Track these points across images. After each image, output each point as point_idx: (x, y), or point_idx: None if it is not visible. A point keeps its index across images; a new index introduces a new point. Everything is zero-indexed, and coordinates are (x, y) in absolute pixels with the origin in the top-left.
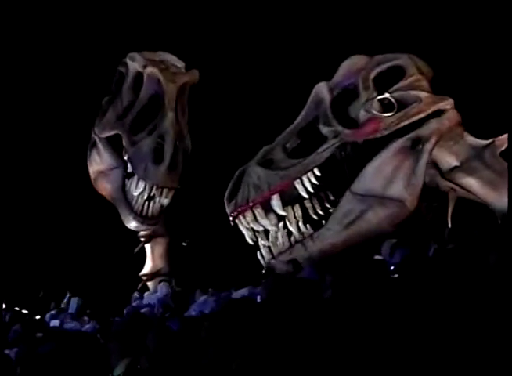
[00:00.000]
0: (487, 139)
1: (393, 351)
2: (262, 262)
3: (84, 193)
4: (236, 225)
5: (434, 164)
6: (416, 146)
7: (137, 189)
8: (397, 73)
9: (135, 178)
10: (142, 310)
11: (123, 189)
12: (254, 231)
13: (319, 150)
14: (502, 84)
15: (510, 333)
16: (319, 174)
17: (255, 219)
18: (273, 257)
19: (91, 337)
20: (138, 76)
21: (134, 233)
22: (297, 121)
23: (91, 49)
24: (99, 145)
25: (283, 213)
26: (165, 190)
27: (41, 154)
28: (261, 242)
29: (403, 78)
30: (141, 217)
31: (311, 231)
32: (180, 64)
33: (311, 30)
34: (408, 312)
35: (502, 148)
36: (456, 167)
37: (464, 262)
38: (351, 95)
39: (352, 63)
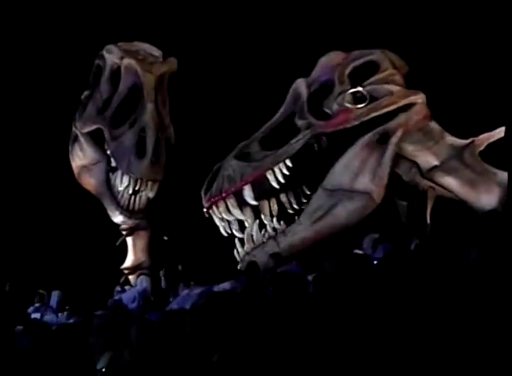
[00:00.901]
0: (462, 134)
1: (377, 343)
2: (237, 257)
3: (66, 187)
4: (210, 216)
5: (414, 163)
6: (383, 140)
7: (122, 183)
8: (372, 68)
9: (119, 172)
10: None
11: (107, 184)
12: (228, 222)
13: (292, 141)
14: (482, 81)
15: (490, 325)
16: (290, 164)
17: (227, 210)
18: (247, 253)
19: (71, 330)
20: (116, 68)
21: (115, 226)
22: (276, 116)
23: (69, 43)
24: (81, 139)
25: (254, 203)
26: (150, 183)
27: (22, 149)
28: (236, 234)
29: (377, 73)
30: (127, 211)
31: (284, 227)
32: (157, 53)
33: (290, 19)
34: (391, 306)
35: (481, 148)
36: (435, 166)
37: (445, 258)
38: (327, 89)
39: (329, 59)
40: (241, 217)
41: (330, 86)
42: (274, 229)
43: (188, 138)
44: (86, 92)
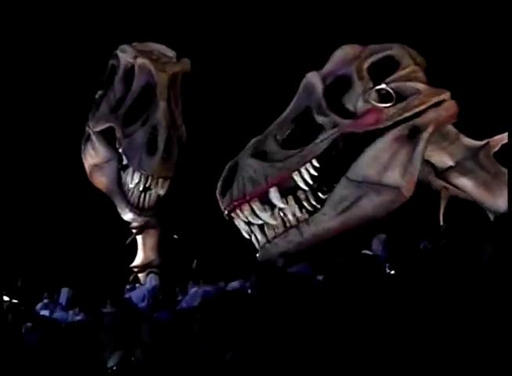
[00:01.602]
0: (473, 133)
1: (386, 345)
2: (257, 245)
3: (77, 185)
4: (231, 219)
5: (428, 162)
6: (413, 134)
7: (133, 180)
8: (391, 63)
9: (130, 170)
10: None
11: (118, 182)
12: (250, 224)
13: (317, 140)
14: (494, 82)
15: (501, 326)
16: (317, 165)
17: (253, 213)
18: (268, 241)
19: (81, 327)
20: (130, 68)
21: (126, 225)
22: (287, 111)
23: (83, 43)
24: (94, 138)
25: (282, 205)
26: (160, 180)
27: (33, 147)
28: (257, 231)
29: (398, 69)
30: (137, 209)
31: (306, 216)
32: (171, 54)
33: (299, 20)
34: (402, 308)
35: (496, 149)
36: (451, 167)
37: (457, 259)
38: (344, 84)
39: (345, 53)
40: (270, 221)
41: (347, 81)
42: (295, 217)
43: (199, 137)
44: (100, 92)
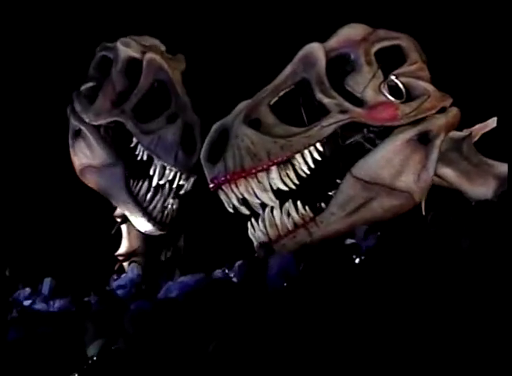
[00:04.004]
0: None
1: (361, 332)
2: (255, 241)
3: (61, 175)
4: (216, 191)
5: None
6: (423, 139)
7: (164, 177)
8: (397, 52)
9: (159, 166)
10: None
11: (129, 191)
12: (241, 201)
13: (324, 122)
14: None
15: (482, 312)
16: (321, 149)
17: (250, 190)
18: (274, 241)
19: (63, 317)
20: (130, 61)
21: (110, 213)
22: (281, 78)
23: (60, 36)
24: (89, 136)
25: (284, 187)
26: (192, 179)
27: (14, 136)
28: (260, 223)
29: (406, 62)
30: (160, 223)
31: (310, 213)
32: (163, 48)
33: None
34: (382, 294)
35: (476, 138)
36: None
37: (438, 246)
38: (348, 64)
39: (353, 32)
40: (270, 202)
41: (352, 62)
42: (300, 214)
43: None
44: (90, 84)
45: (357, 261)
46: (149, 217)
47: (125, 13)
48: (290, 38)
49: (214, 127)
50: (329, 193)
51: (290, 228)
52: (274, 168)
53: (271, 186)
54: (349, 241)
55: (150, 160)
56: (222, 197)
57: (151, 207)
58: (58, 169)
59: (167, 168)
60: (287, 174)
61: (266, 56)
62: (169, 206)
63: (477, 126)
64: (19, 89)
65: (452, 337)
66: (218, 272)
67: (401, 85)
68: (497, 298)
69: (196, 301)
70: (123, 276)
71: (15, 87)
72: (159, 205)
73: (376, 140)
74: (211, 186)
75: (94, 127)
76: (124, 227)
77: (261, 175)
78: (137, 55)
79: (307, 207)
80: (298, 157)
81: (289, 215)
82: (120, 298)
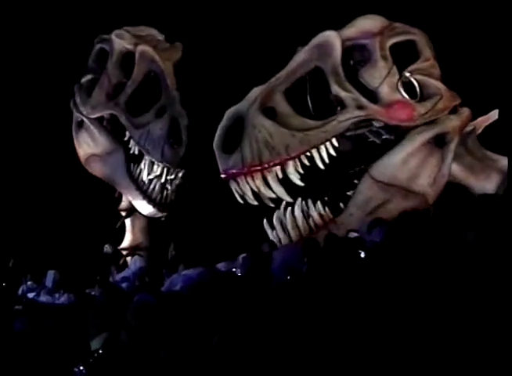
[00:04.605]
0: None
1: (365, 326)
2: (274, 239)
3: (64, 167)
4: (227, 181)
5: None
6: (439, 141)
7: (152, 173)
8: (409, 47)
9: (148, 161)
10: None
11: (130, 175)
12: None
13: (340, 117)
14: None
15: (488, 308)
16: (337, 145)
17: (266, 184)
18: (291, 240)
19: (67, 310)
20: (125, 53)
21: (114, 206)
22: (293, 65)
23: (59, 28)
24: (91, 127)
25: (300, 183)
26: (181, 172)
27: (16, 128)
28: (277, 224)
29: (420, 59)
30: (160, 205)
31: (329, 214)
32: (161, 37)
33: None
34: (386, 289)
35: (479, 131)
36: None
37: (443, 239)
38: (363, 56)
39: (371, 24)
40: (286, 197)
41: (367, 54)
42: (320, 214)
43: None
44: (89, 76)
45: (362, 255)
46: (149, 199)
47: (129, 3)
48: (289, 35)
49: (228, 114)
50: (348, 193)
51: (312, 229)
52: (291, 163)
53: (286, 180)
54: (353, 235)
55: (142, 153)
56: (235, 188)
57: (150, 189)
58: (62, 162)
59: (155, 163)
60: (303, 168)
61: (266, 48)
62: (168, 186)
63: (479, 119)
64: (25, 81)
65: (458, 330)
66: (221, 266)
67: (416, 84)
68: (503, 291)
69: (200, 294)
70: (127, 269)
71: (20, 80)
72: (157, 186)
73: (382, 134)
74: (224, 176)
75: (95, 117)
76: (128, 221)
77: (278, 169)
78: (130, 47)
79: (326, 208)
80: (314, 152)
81: (309, 215)
82: (123, 291)
